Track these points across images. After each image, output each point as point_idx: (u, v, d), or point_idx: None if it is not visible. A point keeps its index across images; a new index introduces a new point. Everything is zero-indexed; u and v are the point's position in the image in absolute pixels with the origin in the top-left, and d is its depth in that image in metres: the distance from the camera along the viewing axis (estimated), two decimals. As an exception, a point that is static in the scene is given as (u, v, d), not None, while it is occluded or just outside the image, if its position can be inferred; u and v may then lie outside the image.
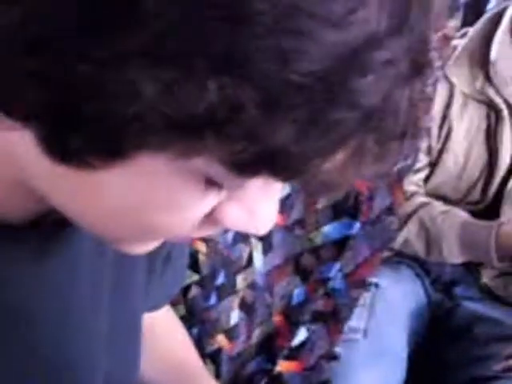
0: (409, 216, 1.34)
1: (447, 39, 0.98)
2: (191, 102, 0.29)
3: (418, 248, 1.36)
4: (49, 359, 0.50)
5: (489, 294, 1.41)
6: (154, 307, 0.72)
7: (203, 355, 1.21)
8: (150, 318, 0.70)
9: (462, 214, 1.34)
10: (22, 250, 0.44)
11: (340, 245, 1.02)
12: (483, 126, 1.35)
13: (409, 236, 1.35)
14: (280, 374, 1.06)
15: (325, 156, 0.33)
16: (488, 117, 1.35)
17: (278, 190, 0.40)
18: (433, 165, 1.37)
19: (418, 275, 1.43)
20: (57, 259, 0.47)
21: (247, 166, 0.32)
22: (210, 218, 0.39)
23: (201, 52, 0.29)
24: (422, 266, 1.41)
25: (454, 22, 1.27)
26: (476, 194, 1.37)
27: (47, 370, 0.50)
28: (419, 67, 0.34)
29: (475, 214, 1.35)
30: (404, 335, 1.31)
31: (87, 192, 0.36)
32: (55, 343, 0.50)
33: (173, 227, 0.38)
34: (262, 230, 0.40)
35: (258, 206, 0.39)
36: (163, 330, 0.79)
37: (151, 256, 0.59)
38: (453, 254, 1.33)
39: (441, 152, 1.36)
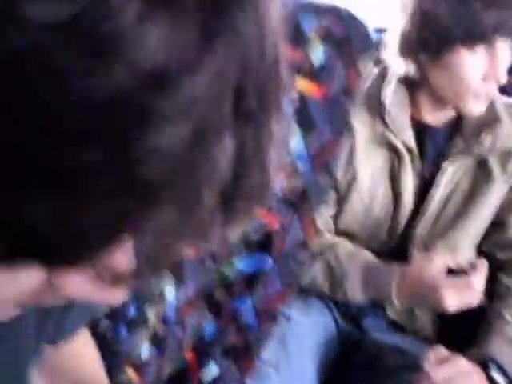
0: (315, 256, 1.36)
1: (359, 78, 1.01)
2: None
3: (324, 287, 1.38)
4: None
5: (395, 326, 1.45)
6: (60, 341, 0.70)
7: (112, 390, 1.18)
8: (63, 349, 0.69)
9: (366, 256, 1.36)
10: None
11: (252, 279, 1.02)
12: (386, 168, 1.37)
13: (315, 275, 1.37)
14: (190, 411, 1.05)
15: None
16: (391, 160, 1.38)
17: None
18: (341, 203, 1.40)
19: (327, 307, 1.45)
20: None
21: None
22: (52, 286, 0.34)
23: None
24: (331, 298, 1.43)
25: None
26: (382, 235, 1.40)
27: None
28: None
29: (385, 254, 1.38)
30: (314, 368, 1.33)
31: None
32: None
33: None
34: (113, 302, 0.36)
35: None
36: (74, 362, 0.77)
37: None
38: (356, 295, 1.35)
39: (347, 191, 1.38)
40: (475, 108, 1.30)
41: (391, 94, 1.35)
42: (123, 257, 0.31)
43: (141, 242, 0.31)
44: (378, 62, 1.40)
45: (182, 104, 0.28)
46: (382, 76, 1.38)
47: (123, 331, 1.17)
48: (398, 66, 1.33)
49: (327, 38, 0.98)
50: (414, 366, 1.28)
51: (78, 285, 0.33)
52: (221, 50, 0.29)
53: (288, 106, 0.98)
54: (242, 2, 0.30)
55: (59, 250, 0.29)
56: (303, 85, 0.98)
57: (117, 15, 0.26)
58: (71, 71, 0.26)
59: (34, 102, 0.26)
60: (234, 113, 0.30)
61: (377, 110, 1.35)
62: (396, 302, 1.31)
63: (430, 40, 1.24)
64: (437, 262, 1.27)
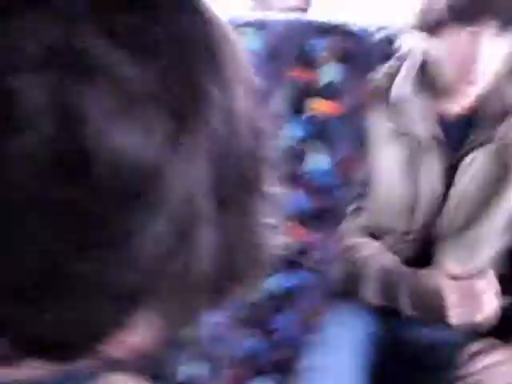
0: (340, 257, 1.37)
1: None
2: None
3: (349, 288, 1.39)
4: None
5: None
6: None
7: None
8: None
9: (385, 259, 1.38)
10: None
11: (290, 294, 1.05)
12: (405, 158, 1.37)
13: (339, 276, 1.38)
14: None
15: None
16: (408, 149, 1.37)
17: None
18: (360, 199, 1.40)
19: (359, 308, 1.46)
20: None
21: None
22: None
23: None
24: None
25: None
26: (403, 228, 1.40)
27: None
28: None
29: (407, 251, 1.39)
30: (354, 370, 1.34)
31: None
32: None
33: None
34: None
35: None
36: None
37: None
38: (375, 298, 1.37)
39: (365, 186, 1.39)
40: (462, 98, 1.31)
41: (407, 81, 1.36)
42: (124, 345, 0.33)
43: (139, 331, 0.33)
44: (389, 56, 1.41)
45: (154, 208, 0.29)
46: (397, 68, 1.38)
47: (174, 353, 1.21)
48: (415, 46, 1.34)
49: (337, 56, 1.00)
50: (451, 364, 1.29)
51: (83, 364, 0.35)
52: (187, 150, 0.29)
53: (305, 127, 1.01)
54: (210, 98, 0.30)
55: (60, 350, 0.31)
56: (318, 103, 1.02)
57: (83, 132, 0.28)
58: (43, 199, 0.28)
59: (27, 231, 0.29)
60: (212, 204, 0.31)
61: (394, 101, 1.37)
62: (408, 309, 1.32)
63: (429, 17, 1.26)
64: (444, 268, 1.27)
